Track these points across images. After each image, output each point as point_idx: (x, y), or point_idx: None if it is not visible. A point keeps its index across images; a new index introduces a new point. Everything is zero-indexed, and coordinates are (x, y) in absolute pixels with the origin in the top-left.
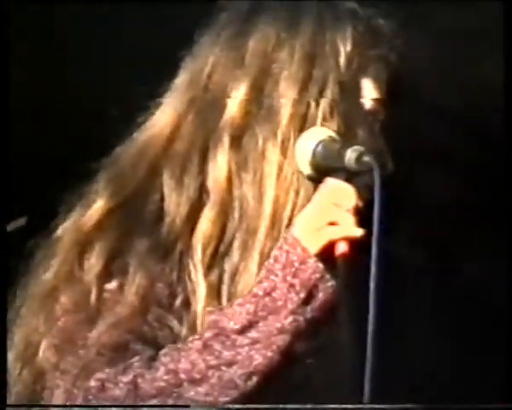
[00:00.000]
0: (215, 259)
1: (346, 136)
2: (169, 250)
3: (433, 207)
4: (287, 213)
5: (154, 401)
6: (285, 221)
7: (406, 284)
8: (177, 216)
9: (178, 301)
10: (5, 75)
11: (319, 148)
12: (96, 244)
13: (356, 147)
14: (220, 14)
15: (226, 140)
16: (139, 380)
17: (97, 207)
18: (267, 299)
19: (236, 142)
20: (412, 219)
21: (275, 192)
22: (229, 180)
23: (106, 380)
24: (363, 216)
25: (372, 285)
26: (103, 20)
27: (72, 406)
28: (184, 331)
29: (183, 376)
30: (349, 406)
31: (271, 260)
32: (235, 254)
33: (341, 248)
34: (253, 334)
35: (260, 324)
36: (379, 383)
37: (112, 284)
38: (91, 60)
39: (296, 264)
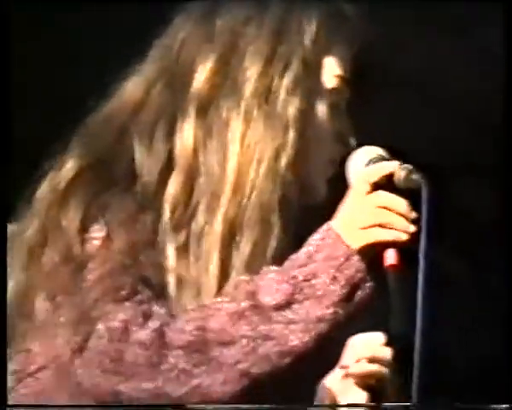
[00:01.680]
0: (183, 220)
1: (308, 111)
2: (142, 209)
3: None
4: (249, 180)
5: (180, 353)
6: (248, 188)
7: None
8: (149, 179)
9: (154, 258)
10: (5, 75)
11: (370, 165)
12: (71, 201)
13: (405, 165)
14: None
15: (193, 110)
16: (165, 329)
17: (69, 167)
18: (305, 284)
19: (202, 112)
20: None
21: (238, 160)
22: (195, 148)
23: (129, 322)
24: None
25: (420, 296)
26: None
27: (73, 406)
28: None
29: (210, 335)
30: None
31: (311, 248)
32: (201, 216)
33: (390, 258)
34: (287, 314)
35: (296, 305)
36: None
37: (93, 237)
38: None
39: (342, 259)
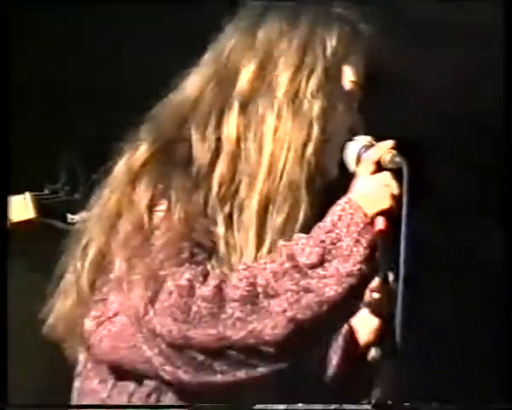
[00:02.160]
0: (227, 195)
1: (328, 110)
2: (196, 186)
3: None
4: (280, 165)
5: (235, 304)
6: (279, 170)
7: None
8: (202, 161)
9: (206, 226)
10: (5, 75)
11: (363, 150)
12: (142, 181)
13: (391, 150)
14: (240, 9)
15: (236, 106)
16: (223, 285)
17: (142, 150)
18: (332, 247)
19: (244, 108)
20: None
21: (271, 148)
22: (238, 137)
23: (193, 280)
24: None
25: (402, 253)
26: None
27: (74, 406)
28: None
29: (259, 289)
30: (353, 406)
31: (335, 217)
32: (242, 192)
33: (380, 224)
34: (319, 271)
35: (326, 264)
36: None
37: (158, 210)
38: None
39: (361, 225)
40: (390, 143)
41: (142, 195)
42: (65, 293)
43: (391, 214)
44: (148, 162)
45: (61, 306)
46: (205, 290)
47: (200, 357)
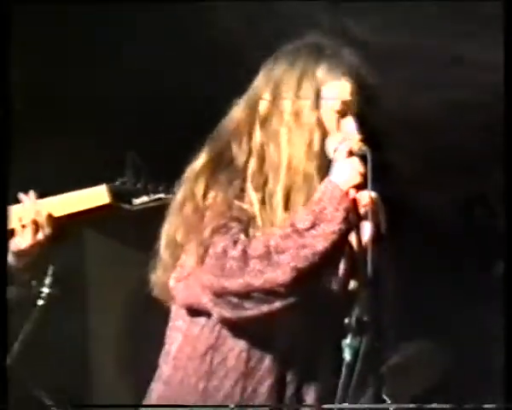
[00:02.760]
0: (259, 184)
1: (322, 119)
2: (235, 178)
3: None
4: (298, 163)
5: (256, 260)
6: (298, 168)
7: None
8: (239, 163)
9: (241, 206)
10: (5, 75)
11: (339, 143)
12: (200, 178)
13: (359, 142)
14: (276, 57)
15: (258, 123)
16: (247, 248)
17: (201, 158)
18: (319, 214)
19: (264, 124)
20: None
21: (288, 151)
22: (262, 145)
23: (226, 247)
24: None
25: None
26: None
27: (78, 406)
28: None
29: (271, 249)
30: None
31: (320, 194)
32: (270, 184)
33: (352, 194)
34: (312, 232)
35: (316, 227)
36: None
37: (208, 198)
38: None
39: (339, 197)
40: (358, 136)
41: (199, 188)
42: (157, 265)
43: (360, 187)
44: (204, 166)
45: (157, 275)
46: (234, 253)
47: (234, 299)
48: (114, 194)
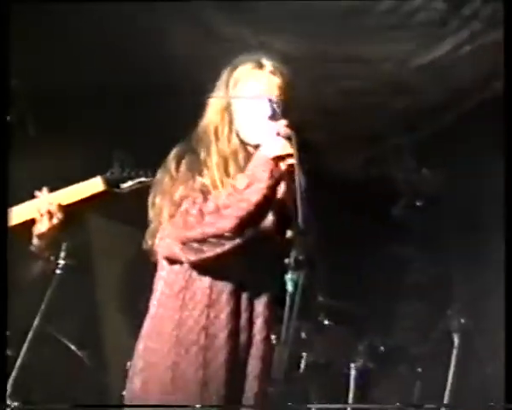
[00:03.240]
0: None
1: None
2: (199, 171)
3: None
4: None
5: (209, 216)
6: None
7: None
8: (204, 152)
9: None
10: (5, 75)
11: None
12: (175, 158)
13: (285, 126)
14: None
15: (220, 122)
16: (203, 207)
17: (182, 147)
18: (252, 177)
19: (222, 122)
20: None
21: (217, 158)
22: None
23: (188, 207)
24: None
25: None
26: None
27: (75, 406)
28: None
29: (220, 206)
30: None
31: (253, 162)
32: (216, 171)
33: (277, 161)
34: (247, 191)
35: (251, 186)
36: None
37: (180, 170)
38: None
39: (266, 165)
40: (284, 121)
41: (173, 163)
42: (148, 232)
43: (283, 159)
44: (184, 153)
45: (148, 238)
46: (194, 211)
47: (196, 245)
48: (107, 182)
